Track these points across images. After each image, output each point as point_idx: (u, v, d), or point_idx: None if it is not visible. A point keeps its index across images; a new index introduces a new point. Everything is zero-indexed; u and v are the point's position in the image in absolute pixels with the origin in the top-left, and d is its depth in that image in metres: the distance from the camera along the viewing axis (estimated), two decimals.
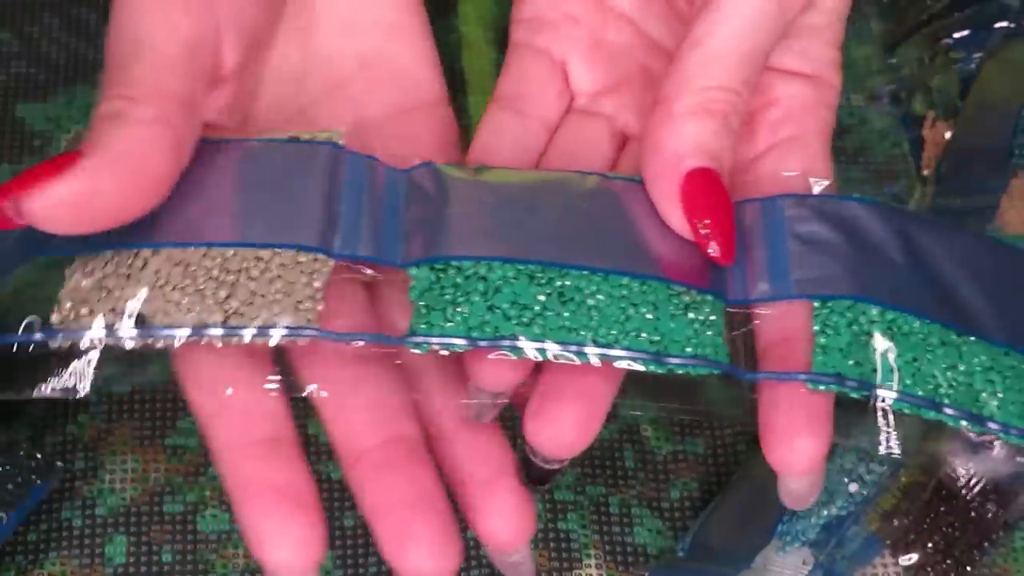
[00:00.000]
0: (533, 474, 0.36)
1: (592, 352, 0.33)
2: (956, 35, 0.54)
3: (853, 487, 0.46)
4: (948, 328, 0.36)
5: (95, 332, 0.33)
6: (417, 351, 0.34)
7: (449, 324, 0.34)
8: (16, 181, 0.33)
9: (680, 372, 0.34)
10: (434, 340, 0.34)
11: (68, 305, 0.34)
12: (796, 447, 0.34)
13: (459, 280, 0.34)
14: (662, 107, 0.36)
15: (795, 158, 0.39)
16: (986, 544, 0.45)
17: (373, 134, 0.40)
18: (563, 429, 0.34)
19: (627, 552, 0.47)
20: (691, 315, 0.34)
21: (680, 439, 0.49)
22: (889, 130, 0.55)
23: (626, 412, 0.49)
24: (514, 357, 0.34)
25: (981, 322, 0.36)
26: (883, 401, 0.35)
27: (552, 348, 0.33)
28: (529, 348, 0.33)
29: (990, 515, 0.45)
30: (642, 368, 0.34)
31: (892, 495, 0.46)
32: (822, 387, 0.34)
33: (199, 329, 0.33)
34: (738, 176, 0.39)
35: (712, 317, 0.35)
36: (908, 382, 0.35)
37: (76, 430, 0.48)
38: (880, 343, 0.35)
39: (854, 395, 0.35)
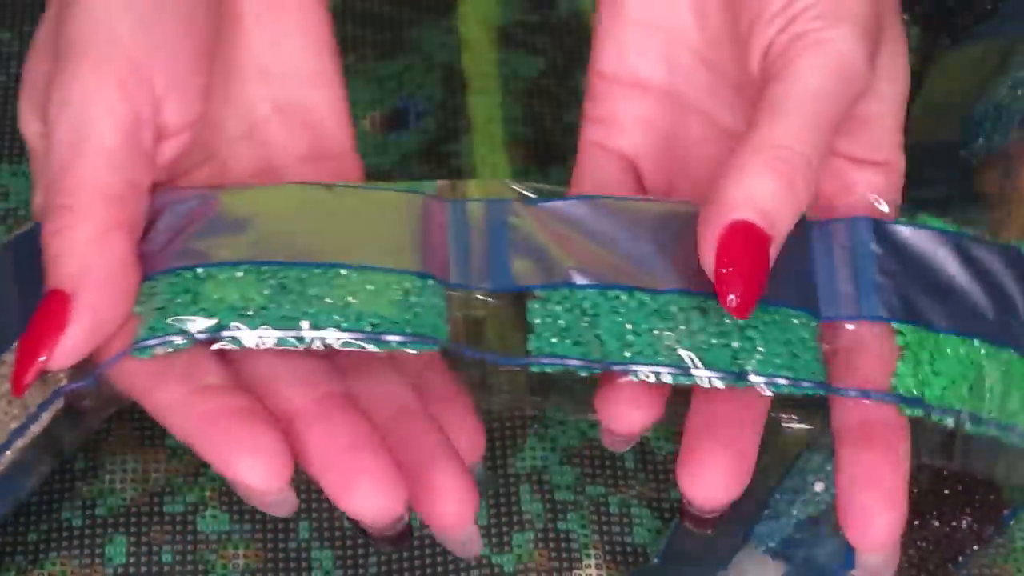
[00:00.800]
0: (695, 522, 0.37)
1: (310, 336, 0.36)
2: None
3: (819, 486, 0.46)
4: (689, 295, 0.37)
5: None
6: (143, 356, 0.36)
7: (172, 325, 0.36)
8: (27, 355, 0.35)
9: (402, 349, 0.36)
10: (155, 342, 0.35)
11: None
12: (874, 524, 0.35)
13: (191, 285, 0.36)
14: (731, 161, 0.37)
15: None
16: (960, 558, 0.45)
17: (278, 178, 0.41)
18: (714, 482, 0.36)
19: (627, 552, 0.47)
20: (412, 299, 0.37)
21: (680, 439, 0.49)
22: None
23: None
24: (301, 346, 0.36)
25: None
26: (625, 376, 0.36)
27: (271, 335, 0.36)
28: (249, 338, 0.36)
29: (964, 529, 0.45)
30: (366, 347, 0.36)
31: None
32: (548, 368, 0.37)
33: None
34: None
35: (434, 301, 0.37)
36: (648, 351, 0.36)
37: None
38: (604, 320, 0.37)
39: (583, 373, 0.37)
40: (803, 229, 0.39)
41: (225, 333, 0.36)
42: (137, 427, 0.48)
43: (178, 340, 0.35)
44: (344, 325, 0.36)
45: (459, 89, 0.55)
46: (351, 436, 0.35)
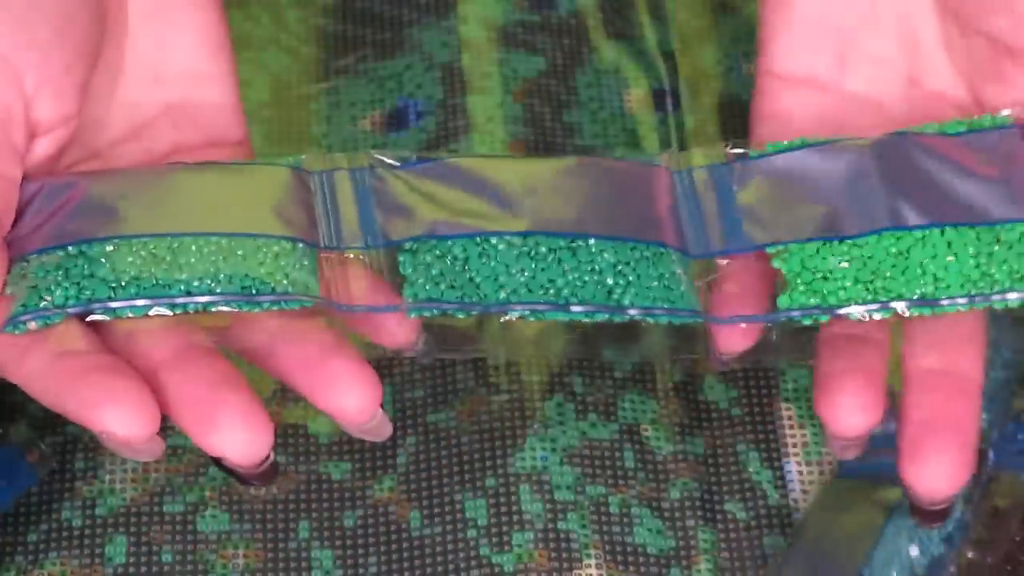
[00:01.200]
0: (924, 517, 0.38)
1: (183, 301, 0.37)
2: None
3: (914, 551, 0.44)
4: (558, 236, 0.39)
5: None
6: (16, 332, 0.36)
7: (44, 301, 0.36)
8: None
9: (275, 308, 0.37)
10: (28, 317, 0.36)
11: None
12: None
13: (62, 262, 0.37)
14: None
15: None
16: None
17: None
18: (941, 474, 0.36)
19: (627, 552, 0.47)
20: (282, 261, 0.38)
21: (680, 439, 0.49)
22: None
23: (625, 412, 0.50)
24: (174, 313, 0.37)
25: (605, 227, 0.39)
26: (506, 316, 0.38)
27: (144, 304, 0.37)
28: (121, 308, 0.36)
29: None
30: (240, 309, 0.37)
31: None
32: (425, 313, 0.38)
33: None
34: None
35: (304, 261, 0.38)
36: (523, 291, 0.38)
37: (76, 430, 0.48)
38: (475, 264, 0.39)
39: (459, 315, 0.38)
40: (669, 176, 0.41)
41: (97, 305, 0.36)
42: None
43: (50, 314, 0.36)
44: (217, 289, 0.37)
45: (459, 89, 0.55)
46: (211, 375, 0.36)
